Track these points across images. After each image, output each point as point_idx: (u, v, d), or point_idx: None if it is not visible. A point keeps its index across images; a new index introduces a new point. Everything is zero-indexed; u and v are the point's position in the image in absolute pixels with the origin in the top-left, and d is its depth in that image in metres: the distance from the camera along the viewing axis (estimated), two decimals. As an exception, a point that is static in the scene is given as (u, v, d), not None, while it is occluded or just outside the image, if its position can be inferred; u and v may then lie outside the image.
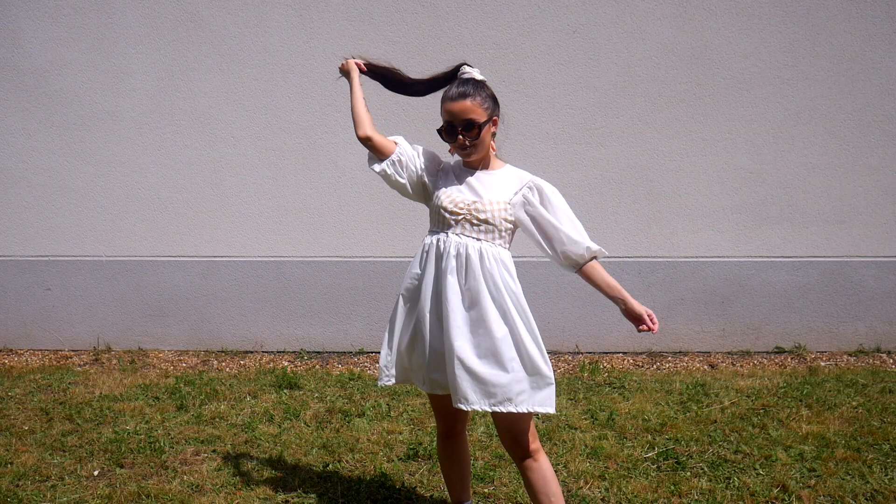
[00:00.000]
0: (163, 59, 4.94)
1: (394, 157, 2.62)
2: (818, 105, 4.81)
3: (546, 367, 2.48)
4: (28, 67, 4.98)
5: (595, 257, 2.55)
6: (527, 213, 2.56)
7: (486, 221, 2.51)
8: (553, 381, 2.50)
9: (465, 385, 2.44)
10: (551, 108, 4.86)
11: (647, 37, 4.79)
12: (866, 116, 4.81)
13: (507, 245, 2.58)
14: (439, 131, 2.57)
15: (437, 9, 4.81)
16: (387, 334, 2.71)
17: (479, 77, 2.58)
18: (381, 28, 4.85)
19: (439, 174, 2.67)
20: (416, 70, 4.96)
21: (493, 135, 2.61)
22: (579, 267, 2.55)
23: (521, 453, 2.54)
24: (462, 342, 2.46)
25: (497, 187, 2.56)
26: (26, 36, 4.95)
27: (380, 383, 2.70)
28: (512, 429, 2.53)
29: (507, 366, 2.44)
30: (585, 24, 4.80)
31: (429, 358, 2.56)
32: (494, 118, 2.57)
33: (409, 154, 2.64)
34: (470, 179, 2.59)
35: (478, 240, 2.51)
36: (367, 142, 2.63)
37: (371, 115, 2.69)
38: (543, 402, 2.48)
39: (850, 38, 4.74)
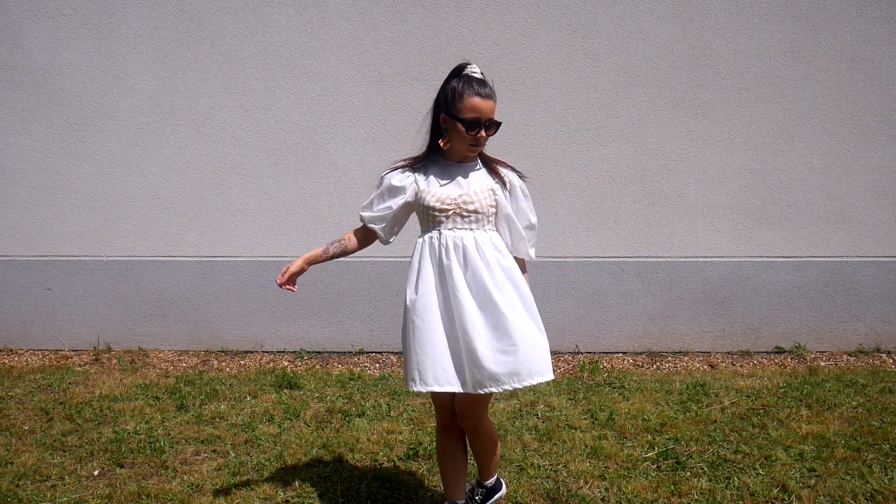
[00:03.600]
0: (163, 59, 4.94)
1: (377, 231, 2.76)
2: (818, 105, 4.81)
3: (543, 334, 2.63)
4: (28, 67, 4.98)
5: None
6: (502, 200, 2.69)
7: (475, 212, 2.62)
8: (548, 346, 2.64)
9: (492, 366, 2.51)
10: (551, 108, 4.86)
11: (647, 37, 4.79)
12: (866, 116, 4.81)
13: (496, 227, 2.72)
14: (462, 123, 2.57)
15: (437, 9, 4.81)
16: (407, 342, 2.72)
17: (481, 74, 2.64)
18: (381, 28, 4.85)
19: (414, 185, 2.69)
20: (416, 70, 5.00)
21: None
22: (512, 249, 2.74)
23: (473, 426, 2.75)
24: (480, 329, 2.54)
25: (479, 177, 2.69)
26: (26, 36, 4.95)
27: (415, 388, 2.64)
28: (477, 410, 2.70)
29: (518, 343, 2.54)
30: (585, 24, 4.80)
31: (442, 356, 2.59)
32: None
33: (375, 217, 2.74)
34: (454, 174, 2.67)
35: (470, 230, 2.63)
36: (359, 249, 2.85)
37: (332, 245, 2.78)
38: (549, 369, 2.62)
39: (850, 38, 4.74)
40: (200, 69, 4.93)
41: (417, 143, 4.91)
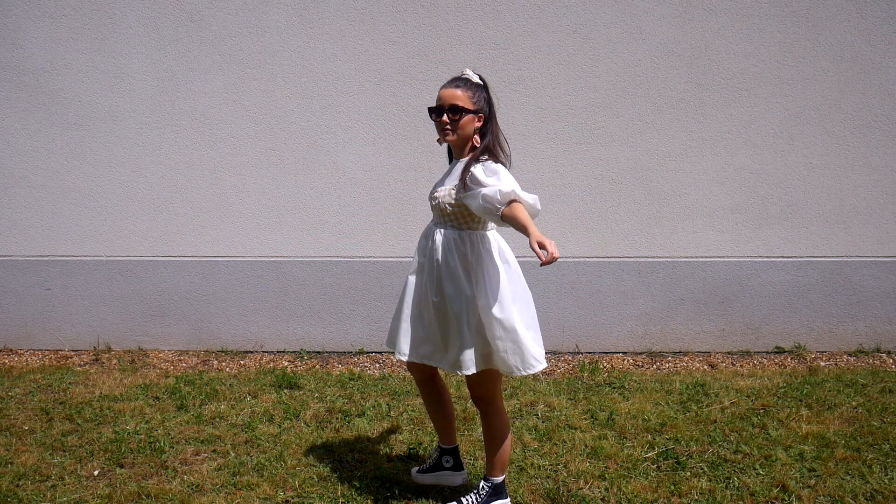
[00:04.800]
0: (163, 59, 4.94)
1: None
2: (818, 105, 4.81)
3: (466, 336, 2.78)
4: (28, 67, 4.98)
5: (514, 201, 2.60)
6: (465, 195, 2.74)
7: (437, 208, 2.85)
8: (462, 351, 2.79)
9: (407, 340, 2.93)
10: (551, 108, 4.86)
11: (647, 37, 4.79)
12: (866, 116, 4.81)
13: (465, 226, 2.81)
14: (429, 109, 2.84)
15: (437, 9, 4.81)
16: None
17: (475, 79, 2.85)
18: (381, 28, 4.85)
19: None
20: (416, 70, 4.99)
21: (477, 129, 2.82)
22: (499, 212, 2.61)
23: (481, 405, 2.95)
24: (410, 311, 2.92)
25: (457, 176, 2.83)
26: (26, 36, 4.95)
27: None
28: (480, 387, 2.91)
29: (428, 335, 2.87)
30: (585, 24, 4.80)
31: (393, 321, 3.04)
32: (480, 115, 2.82)
33: None
34: (449, 171, 2.92)
35: (437, 224, 2.88)
36: None
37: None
38: (464, 365, 2.82)
39: (850, 38, 4.74)
40: (200, 69, 4.93)
41: (417, 142, 4.94)
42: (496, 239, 2.84)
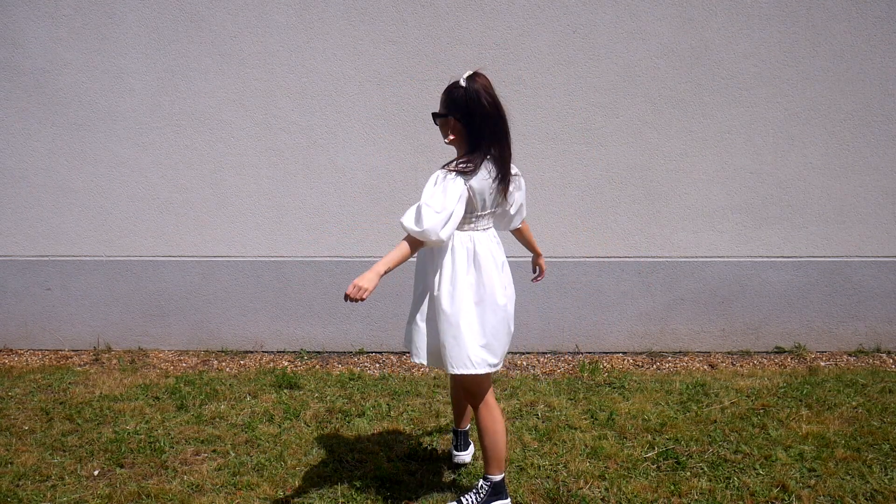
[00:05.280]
0: (163, 59, 4.94)
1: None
2: (818, 105, 4.81)
3: (419, 322, 2.89)
4: (28, 67, 4.98)
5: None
6: None
7: None
8: (414, 336, 2.90)
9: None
10: (551, 108, 4.86)
11: (647, 37, 4.79)
12: (866, 116, 4.81)
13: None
14: None
15: (437, 9, 4.81)
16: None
17: (462, 82, 2.79)
18: (381, 28, 4.84)
19: None
20: (416, 70, 4.99)
21: (450, 131, 2.81)
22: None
23: (470, 404, 3.00)
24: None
25: None
26: (26, 36, 4.95)
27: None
28: (463, 387, 2.96)
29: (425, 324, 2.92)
30: (585, 24, 4.80)
31: None
32: (450, 117, 2.79)
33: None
34: None
35: None
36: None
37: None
38: (413, 351, 2.94)
39: (850, 38, 4.74)
40: (200, 69, 4.93)
41: (417, 142, 4.95)
42: (474, 241, 2.81)
